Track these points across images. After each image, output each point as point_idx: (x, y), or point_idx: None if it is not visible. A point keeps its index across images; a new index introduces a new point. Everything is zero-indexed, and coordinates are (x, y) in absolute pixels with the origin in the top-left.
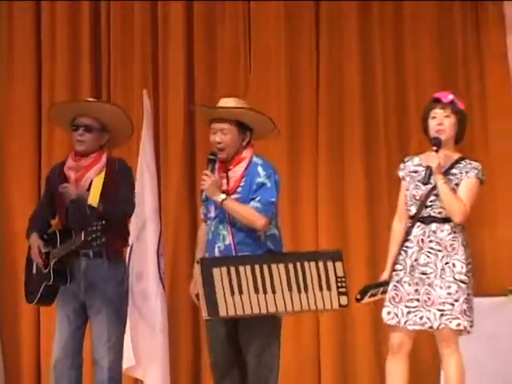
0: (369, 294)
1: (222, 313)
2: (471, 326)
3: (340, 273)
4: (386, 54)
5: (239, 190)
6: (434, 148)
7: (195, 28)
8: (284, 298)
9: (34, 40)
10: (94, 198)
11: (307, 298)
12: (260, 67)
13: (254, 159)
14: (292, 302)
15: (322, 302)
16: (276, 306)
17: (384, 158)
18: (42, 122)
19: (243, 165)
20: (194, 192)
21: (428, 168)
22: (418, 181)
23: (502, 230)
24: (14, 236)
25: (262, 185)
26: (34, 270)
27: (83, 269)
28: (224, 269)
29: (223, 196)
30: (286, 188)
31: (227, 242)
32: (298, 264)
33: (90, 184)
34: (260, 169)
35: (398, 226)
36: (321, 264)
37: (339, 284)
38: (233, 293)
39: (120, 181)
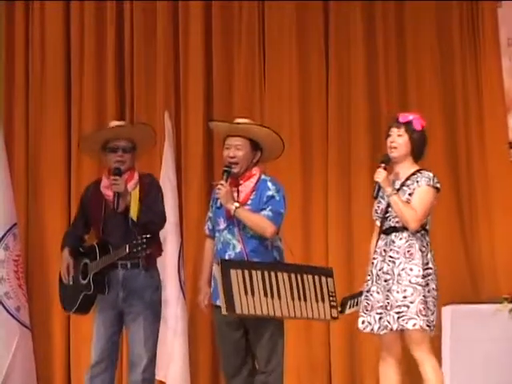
0: (348, 304)
1: (238, 310)
2: (429, 326)
3: (331, 288)
4: (389, 75)
5: (249, 202)
6: (382, 165)
7: (214, 56)
8: (287, 305)
9: (63, 65)
10: (133, 212)
11: (306, 306)
12: (273, 86)
13: (263, 177)
14: (294, 308)
15: (318, 312)
16: (281, 310)
17: None
18: (71, 143)
19: (253, 180)
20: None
21: (376, 183)
22: (373, 197)
23: (498, 239)
24: (47, 250)
25: (272, 197)
26: (71, 282)
27: (121, 279)
28: (239, 271)
29: (237, 204)
30: (298, 205)
31: (238, 250)
32: (299, 275)
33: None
34: (269, 184)
35: (373, 242)
36: (317, 278)
37: (331, 298)
38: (246, 293)
39: (153, 195)
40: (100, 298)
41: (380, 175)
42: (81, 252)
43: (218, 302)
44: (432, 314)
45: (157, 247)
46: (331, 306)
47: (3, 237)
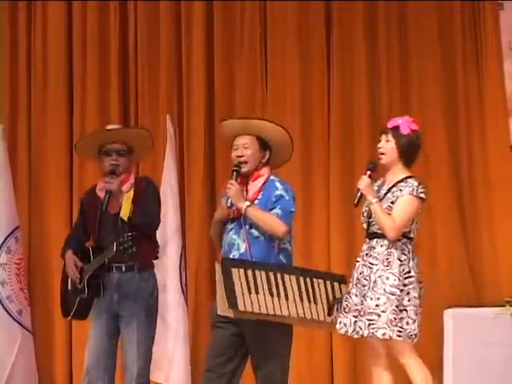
0: (335, 308)
1: (241, 307)
2: (399, 336)
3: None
4: (391, 80)
5: (256, 202)
6: (368, 172)
7: (215, 58)
8: (296, 305)
9: (66, 68)
10: (124, 212)
11: (317, 308)
12: (275, 88)
13: (272, 177)
14: (303, 309)
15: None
16: (289, 310)
17: None
18: (73, 146)
19: (261, 180)
20: (215, 209)
21: (358, 190)
22: (353, 204)
23: (500, 243)
24: (49, 253)
25: (281, 196)
26: (70, 287)
27: (116, 282)
28: (242, 270)
29: (248, 203)
30: (299, 209)
31: (242, 251)
32: (308, 279)
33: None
34: (277, 184)
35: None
36: (328, 283)
37: None
38: (250, 292)
39: (148, 197)
40: (96, 301)
41: (363, 182)
42: (79, 257)
43: None
44: (413, 322)
45: (152, 249)
46: None
47: (5, 240)
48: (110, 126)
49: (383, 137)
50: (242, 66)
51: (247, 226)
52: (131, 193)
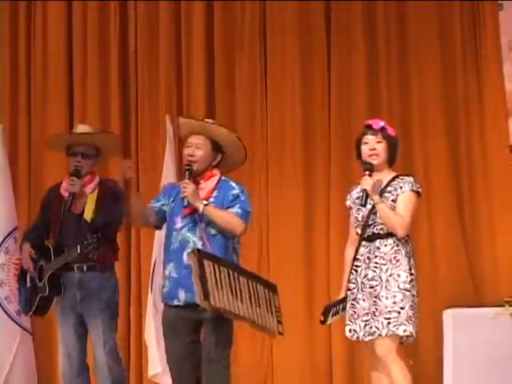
0: (331, 313)
1: (212, 301)
2: (416, 332)
3: (277, 303)
4: (391, 80)
5: (212, 200)
6: (367, 172)
7: (215, 58)
8: (248, 307)
9: (66, 68)
10: (88, 213)
11: (261, 314)
12: (275, 87)
13: (223, 178)
14: (253, 313)
15: (269, 323)
16: (243, 311)
17: None
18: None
19: (214, 180)
20: None
21: (364, 191)
22: (360, 204)
23: (500, 243)
24: None
25: (238, 196)
26: (28, 284)
27: (77, 281)
28: (211, 263)
29: (205, 202)
30: (300, 205)
31: (199, 247)
32: (253, 283)
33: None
34: (233, 184)
35: (349, 249)
36: (266, 290)
37: (277, 313)
38: (217, 286)
39: (110, 198)
40: (59, 301)
41: (367, 183)
42: (37, 252)
43: (176, 302)
44: (417, 318)
45: (113, 252)
46: (278, 322)
47: (4, 240)
48: (80, 128)
49: (371, 138)
50: (242, 66)
51: (203, 224)
52: (95, 194)
